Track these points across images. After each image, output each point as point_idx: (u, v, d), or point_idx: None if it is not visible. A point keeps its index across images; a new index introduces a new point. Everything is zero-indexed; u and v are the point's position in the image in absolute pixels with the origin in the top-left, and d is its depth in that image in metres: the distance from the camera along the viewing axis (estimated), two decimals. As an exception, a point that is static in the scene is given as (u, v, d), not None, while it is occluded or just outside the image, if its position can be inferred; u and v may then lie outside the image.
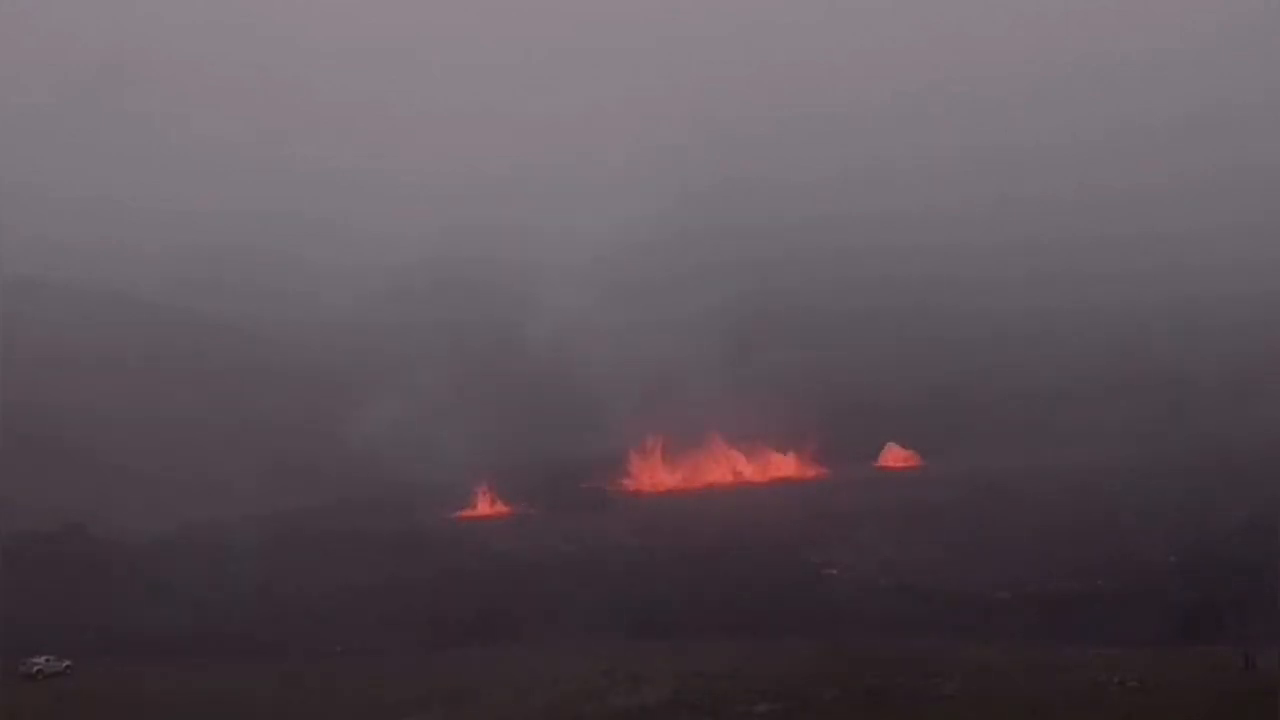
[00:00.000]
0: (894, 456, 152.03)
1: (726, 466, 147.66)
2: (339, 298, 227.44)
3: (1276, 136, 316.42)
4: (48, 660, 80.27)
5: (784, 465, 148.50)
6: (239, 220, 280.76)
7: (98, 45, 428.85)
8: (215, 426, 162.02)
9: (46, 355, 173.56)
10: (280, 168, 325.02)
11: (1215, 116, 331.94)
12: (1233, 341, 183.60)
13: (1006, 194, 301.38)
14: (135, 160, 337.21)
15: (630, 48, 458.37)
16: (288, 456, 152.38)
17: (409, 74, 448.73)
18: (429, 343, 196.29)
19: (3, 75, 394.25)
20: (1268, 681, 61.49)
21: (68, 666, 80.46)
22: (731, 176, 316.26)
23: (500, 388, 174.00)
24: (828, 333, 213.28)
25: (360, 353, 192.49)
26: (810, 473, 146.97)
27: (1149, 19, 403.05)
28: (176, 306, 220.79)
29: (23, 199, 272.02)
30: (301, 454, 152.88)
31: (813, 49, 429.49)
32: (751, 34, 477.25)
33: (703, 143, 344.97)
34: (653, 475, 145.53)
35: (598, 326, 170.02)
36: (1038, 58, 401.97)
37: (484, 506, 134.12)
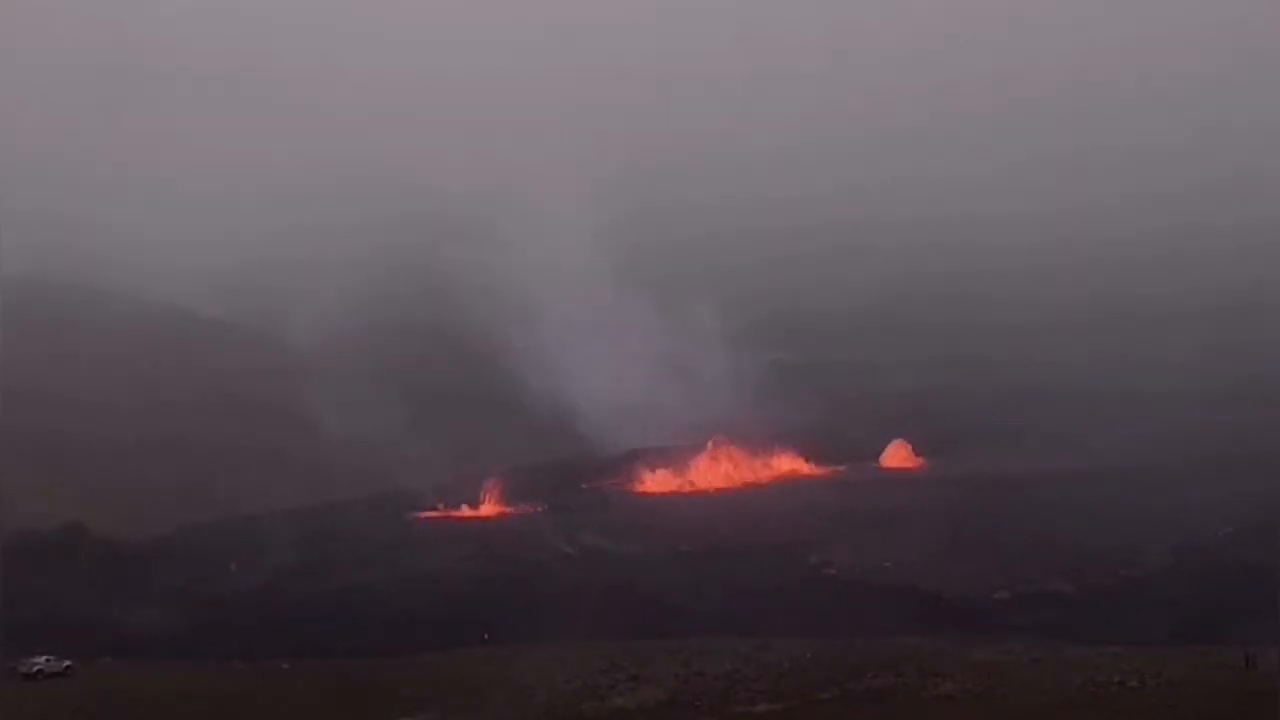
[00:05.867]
0: (894, 456, 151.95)
1: (726, 466, 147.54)
2: (337, 297, 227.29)
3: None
4: (48, 660, 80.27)
5: (784, 465, 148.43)
6: (236, 220, 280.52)
7: (101, 44, 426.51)
8: (216, 426, 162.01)
9: (46, 355, 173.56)
10: (275, 167, 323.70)
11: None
12: (1234, 341, 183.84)
13: (1009, 199, 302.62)
14: (135, 160, 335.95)
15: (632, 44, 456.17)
16: (289, 457, 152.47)
17: (403, 70, 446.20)
18: (428, 342, 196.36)
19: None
20: (1268, 681, 61.59)
21: (68, 666, 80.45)
22: (733, 182, 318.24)
23: (500, 387, 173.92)
24: (829, 333, 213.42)
25: (360, 352, 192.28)
26: (810, 473, 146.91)
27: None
28: (177, 306, 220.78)
29: (22, 197, 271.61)
30: (302, 454, 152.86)
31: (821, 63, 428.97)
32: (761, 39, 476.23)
33: (708, 150, 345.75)
34: (653, 475, 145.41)
35: (596, 326, 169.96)
36: (1039, 80, 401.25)
37: (484, 506, 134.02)
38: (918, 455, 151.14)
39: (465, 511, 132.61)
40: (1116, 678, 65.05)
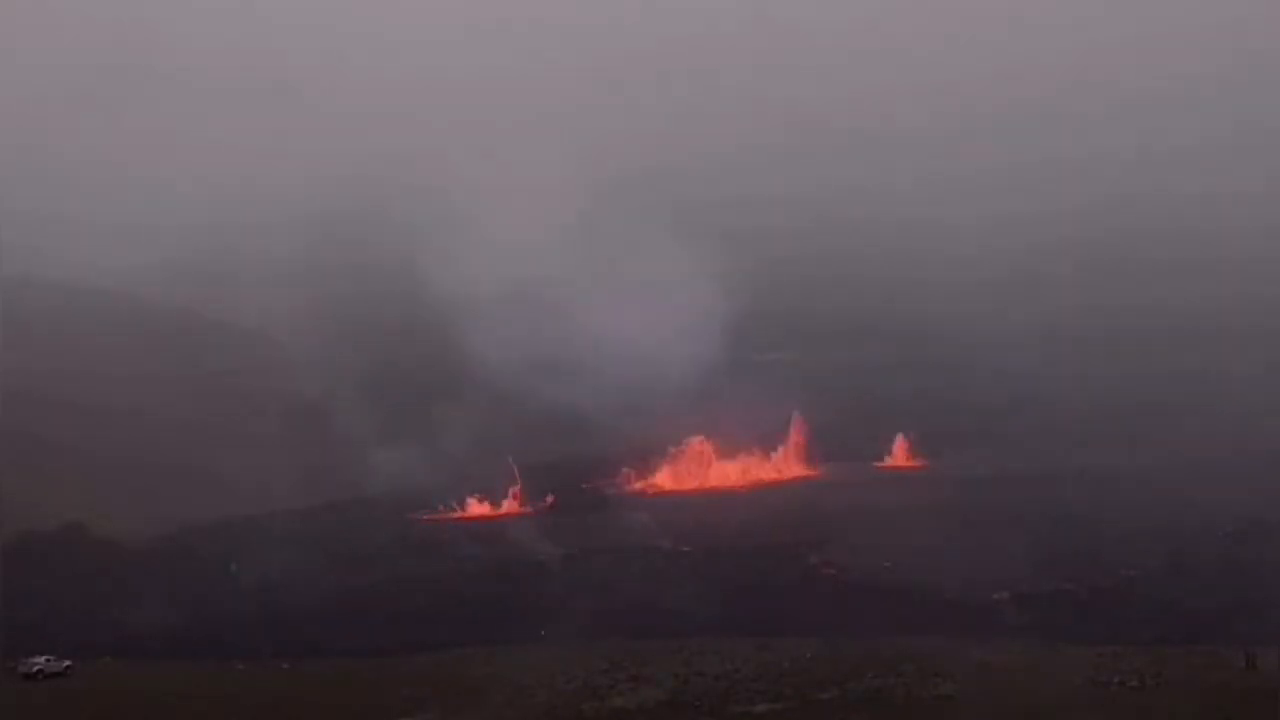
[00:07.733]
0: (895, 456, 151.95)
1: (726, 466, 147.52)
2: (337, 297, 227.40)
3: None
4: (48, 660, 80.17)
5: (784, 465, 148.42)
6: (234, 218, 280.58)
7: (101, 44, 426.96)
8: (216, 426, 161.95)
9: (46, 355, 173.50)
10: (274, 166, 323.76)
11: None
12: (1234, 343, 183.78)
13: (1009, 199, 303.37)
14: (135, 160, 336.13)
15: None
16: (289, 457, 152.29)
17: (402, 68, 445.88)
18: (428, 342, 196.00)
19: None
20: (1268, 681, 61.65)
21: (68, 666, 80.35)
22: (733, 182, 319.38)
23: (499, 387, 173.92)
24: (829, 333, 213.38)
25: (360, 352, 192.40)
26: (810, 473, 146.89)
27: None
28: (177, 306, 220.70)
29: (22, 197, 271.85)
30: (302, 454, 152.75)
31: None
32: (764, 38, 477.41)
33: (708, 149, 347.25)
34: (653, 475, 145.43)
35: (594, 326, 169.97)
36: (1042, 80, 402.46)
37: (484, 506, 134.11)
38: (918, 455, 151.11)
39: (465, 511, 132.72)
40: (1116, 678, 65.07)
